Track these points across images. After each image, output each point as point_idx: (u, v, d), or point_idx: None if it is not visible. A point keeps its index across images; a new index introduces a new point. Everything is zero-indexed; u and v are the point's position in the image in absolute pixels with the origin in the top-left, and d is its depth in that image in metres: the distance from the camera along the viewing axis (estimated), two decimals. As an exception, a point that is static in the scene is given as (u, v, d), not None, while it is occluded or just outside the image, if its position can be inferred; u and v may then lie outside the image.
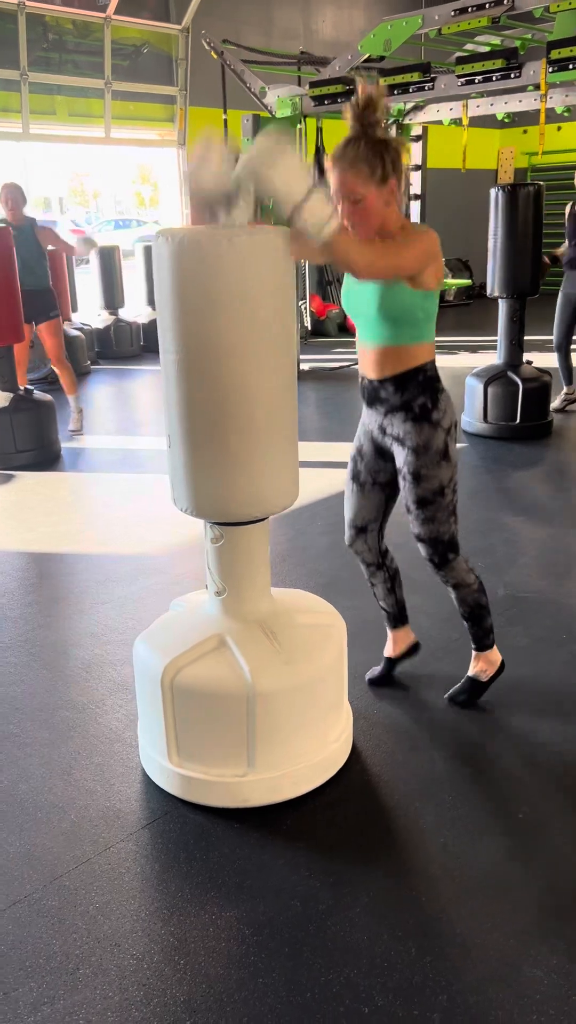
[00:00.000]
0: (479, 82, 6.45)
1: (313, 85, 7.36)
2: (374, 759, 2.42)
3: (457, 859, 2.04)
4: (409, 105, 8.58)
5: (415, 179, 9.25)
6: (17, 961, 1.79)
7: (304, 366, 8.64)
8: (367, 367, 2.41)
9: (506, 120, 8.50)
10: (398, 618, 2.77)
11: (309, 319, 10.46)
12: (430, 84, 6.68)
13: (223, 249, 1.91)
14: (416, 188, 9.26)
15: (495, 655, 2.66)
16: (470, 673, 2.67)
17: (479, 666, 2.65)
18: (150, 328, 9.83)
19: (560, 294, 6.10)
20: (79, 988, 1.72)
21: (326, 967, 1.75)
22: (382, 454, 2.51)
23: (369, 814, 2.21)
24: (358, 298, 2.33)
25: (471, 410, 5.70)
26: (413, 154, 9.44)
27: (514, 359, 5.60)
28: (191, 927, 1.86)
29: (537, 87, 7.76)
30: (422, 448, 2.35)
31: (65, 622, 3.30)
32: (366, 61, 7.10)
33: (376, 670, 2.78)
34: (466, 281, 12.71)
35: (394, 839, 2.12)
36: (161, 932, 1.86)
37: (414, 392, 2.33)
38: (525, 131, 13.59)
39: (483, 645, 2.62)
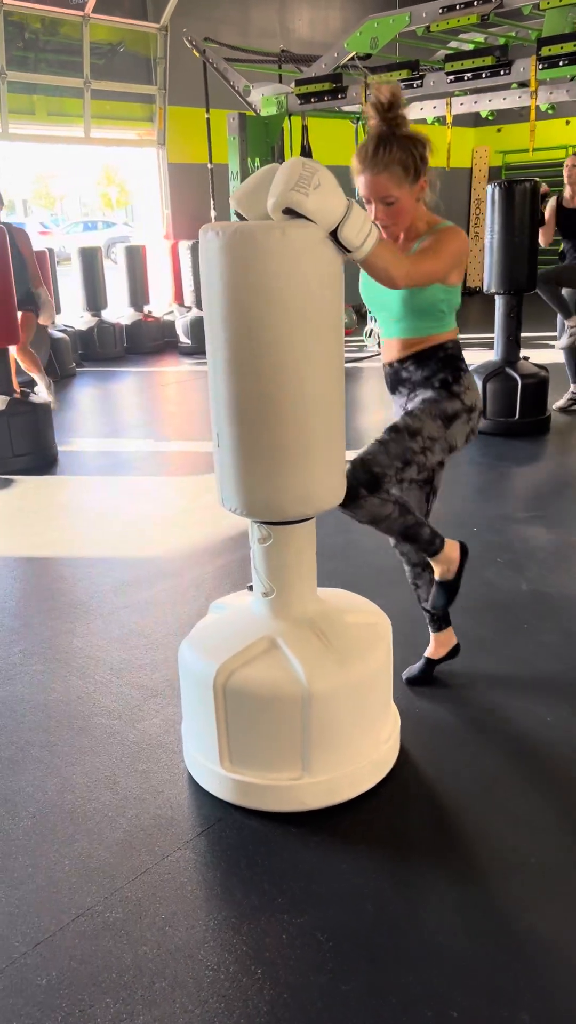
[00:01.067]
0: (468, 79, 6.47)
1: (299, 83, 7.35)
2: (423, 758, 2.40)
3: (526, 858, 2.02)
4: (392, 103, 8.58)
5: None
6: (88, 976, 1.74)
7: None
8: (389, 354, 2.42)
9: (489, 117, 8.53)
10: (442, 620, 2.73)
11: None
12: (419, 81, 6.68)
13: (276, 241, 1.88)
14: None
15: (451, 551, 2.51)
16: (436, 577, 2.54)
17: (440, 568, 2.51)
18: (133, 329, 9.76)
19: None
20: (157, 1002, 1.68)
21: (407, 971, 1.72)
22: None
23: (427, 813, 2.19)
24: (381, 292, 2.29)
25: (470, 406, 5.70)
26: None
27: (511, 355, 5.61)
28: (264, 935, 1.83)
29: (520, 84, 7.83)
30: (430, 400, 2.33)
31: (88, 627, 3.24)
32: (352, 59, 7.09)
33: (414, 669, 2.76)
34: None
35: (456, 839, 2.10)
36: (233, 941, 1.82)
37: (435, 368, 2.34)
38: (499, 130, 13.67)
39: (433, 551, 2.46)
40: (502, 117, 10.30)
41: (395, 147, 2.12)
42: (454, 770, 2.34)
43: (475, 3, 6.18)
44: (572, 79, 7.53)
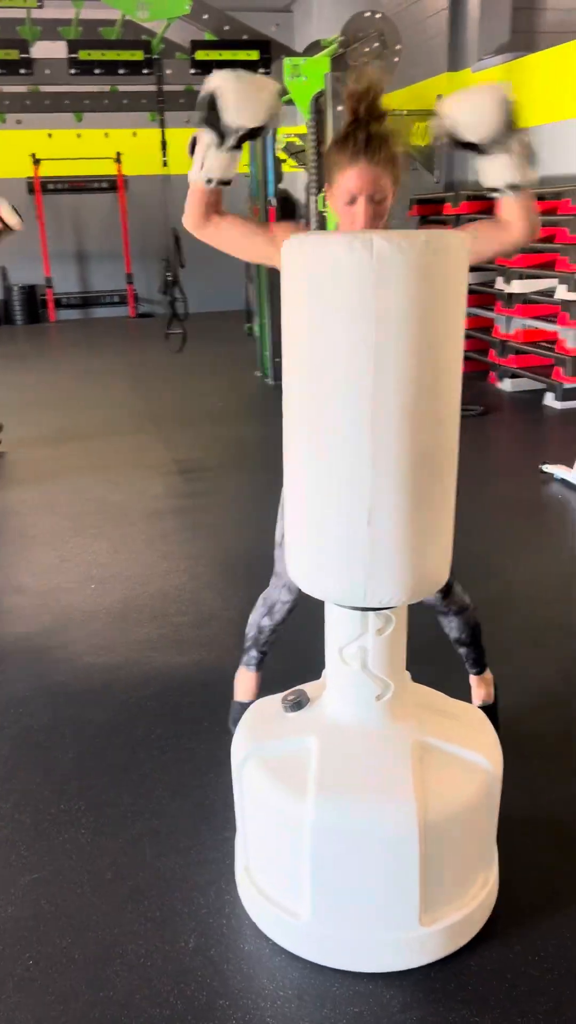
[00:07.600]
0: None
1: None
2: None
3: None
4: None
5: None
6: None
7: None
8: None
9: None
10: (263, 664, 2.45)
11: None
12: None
13: (463, 250, 1.52)
14: None
15: (489, 672, 2.46)
16: (479, 703, 2.40)
17: (487, 690, 2.44)
18: None
19: None
20: None
21: None
22: None
23: None
24: None
25: None
26: None
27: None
28: None
29: None
30: None
31: None
32: None
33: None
34: None
35: None
36: None
37: None
38: None
39: (483, 664, 2.41)
40: None
41: (388, 138, 1.77)
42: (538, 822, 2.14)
43: None
44: None
